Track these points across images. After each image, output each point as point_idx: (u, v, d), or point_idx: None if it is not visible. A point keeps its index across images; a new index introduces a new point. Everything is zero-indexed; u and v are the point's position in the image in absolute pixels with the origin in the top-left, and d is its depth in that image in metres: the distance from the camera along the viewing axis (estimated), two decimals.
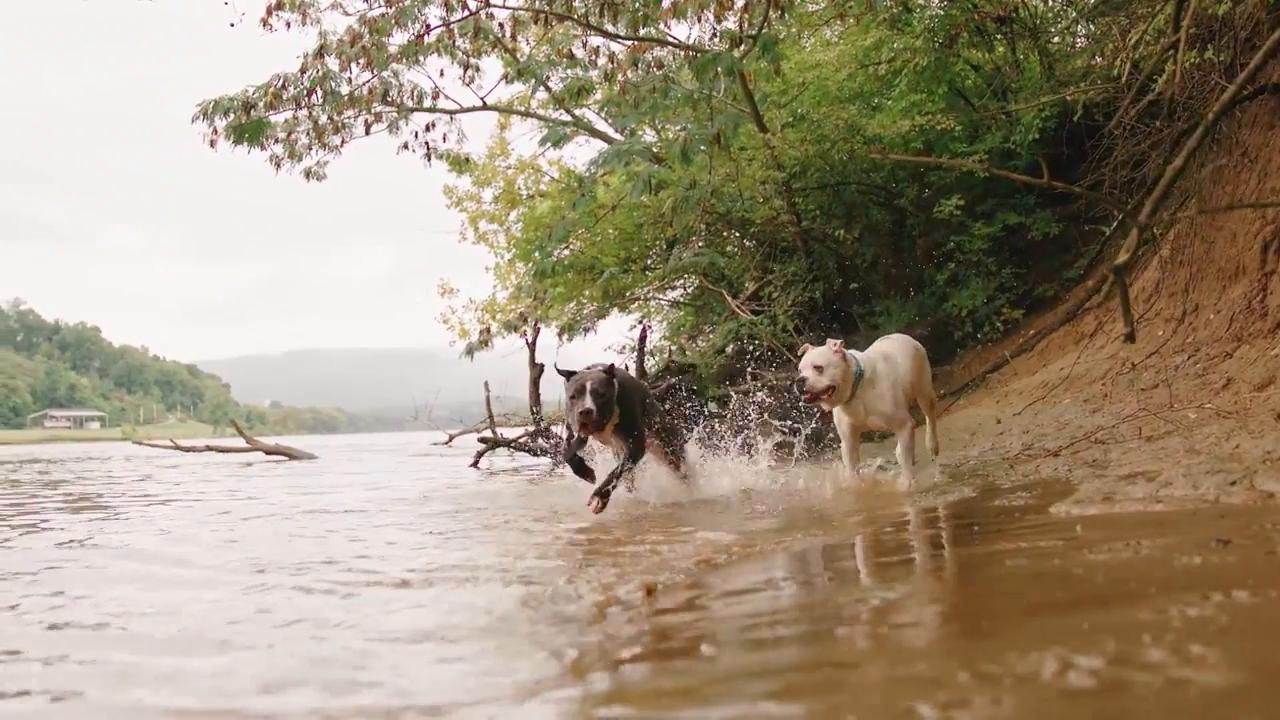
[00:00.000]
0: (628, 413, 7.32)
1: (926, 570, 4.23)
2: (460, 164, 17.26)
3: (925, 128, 12.75)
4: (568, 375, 7.22)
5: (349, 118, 15.43)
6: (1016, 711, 2.08)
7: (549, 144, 16.08)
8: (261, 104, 14.58)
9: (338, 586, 4.28)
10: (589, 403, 6.86)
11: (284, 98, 14.61)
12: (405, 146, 16.10)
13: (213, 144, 14.70)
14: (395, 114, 15.70)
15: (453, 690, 2.73)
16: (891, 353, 8.08)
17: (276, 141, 15.28)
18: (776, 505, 7.03)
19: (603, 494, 6.78)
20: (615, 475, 7.03)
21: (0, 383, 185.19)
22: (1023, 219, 12.80)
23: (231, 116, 14.51)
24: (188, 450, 23.71)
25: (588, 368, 7.47)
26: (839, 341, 7.66)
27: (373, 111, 15.37)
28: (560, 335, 17.62)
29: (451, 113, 16.25)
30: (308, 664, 3.05)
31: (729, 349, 14.58)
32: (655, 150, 14.78)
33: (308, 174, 15.86)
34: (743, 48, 11.80)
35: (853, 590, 3.79)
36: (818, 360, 7.55)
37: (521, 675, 2.81)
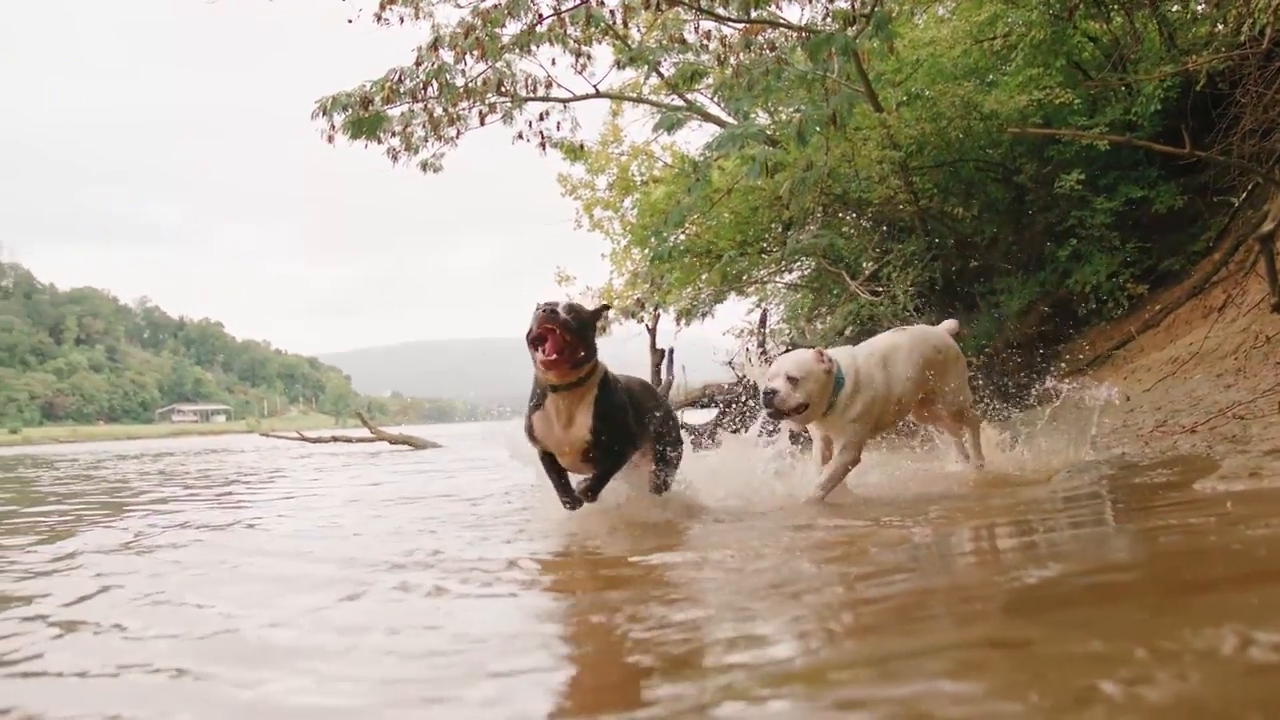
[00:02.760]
0: (612, 403, 5.85)
1: (1077, 549, 4.21)
2: (574, 152, 17.53)
3: (1043, 102, 12.72)
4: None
5: (464, 109, 15.78)
6: (1204, 688, 2.06)
7: (662, 129, 16.34)
8: (378, 98, 15.01)
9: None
10: (562, 316, 5.50)
11: (400, 91, 15.02)
12: (520, 136, 16.42)
13: (330, 139, 15.18)
14: (509, 104, 16.00)
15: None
16: (893, 355, 7.09)
17: (393, 135, 15.69)
18: (907, 488, 6.99)
19: (589, 491, 5.79)
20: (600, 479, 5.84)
21: (130, 379, 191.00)
22: (1145, 192, 12.71)
23: (349, 112, 14.94)
24: (314, 441, 24.37)
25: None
26: (820, 349, 6.82)
27: (487, 102, 15.71)
28: (678, 320, 17.86)
29: (564, 101, 16.54)
30: None
31: (848, 330, 14.67)
32: (770, 133, 14.92)
33: (424, 166, 16.30)
34: (856, 27, 11.91)
35: (1006, 570, 3.80)
36: (793, 370, 6.60)
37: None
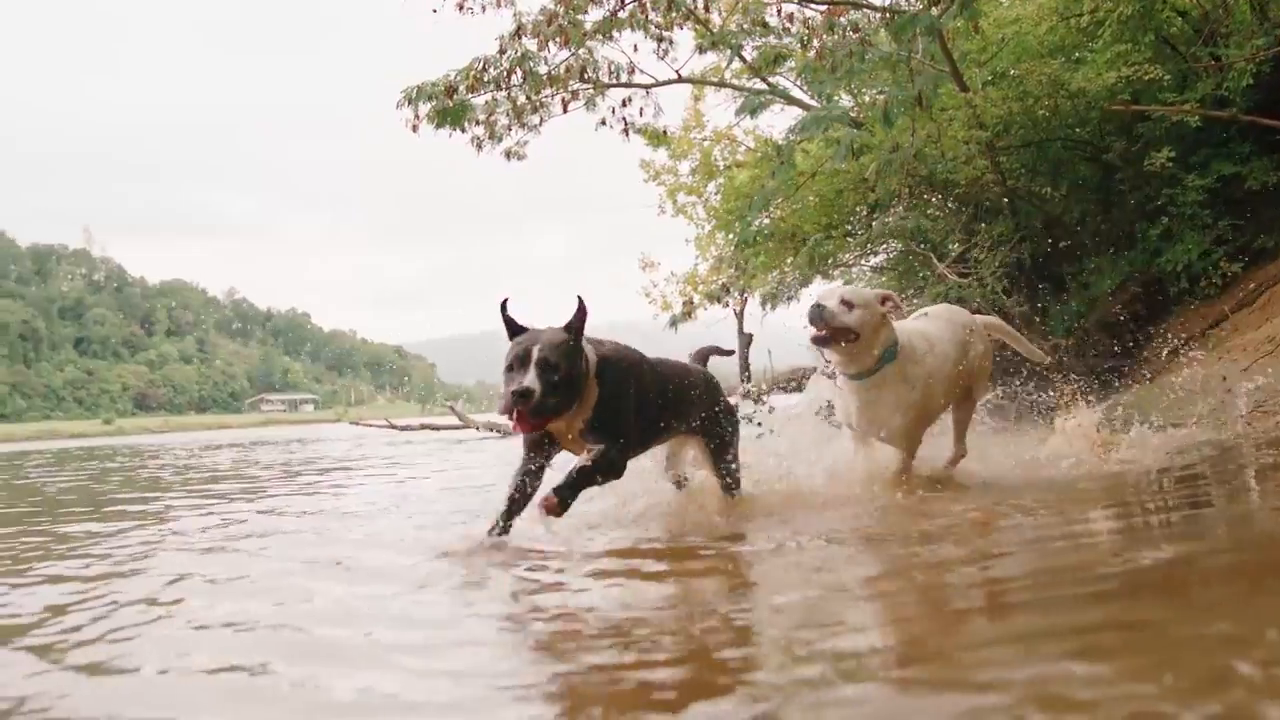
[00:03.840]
0: (610, 405, 5.12)
1: (1190, 530, 4.22)
2: (657, 138, 17.63)
3: (1132, 79, 12.61)
4: (513, 332, 5.06)
5: (547, 96, 15.94)
6: None
7: (745, 113, 16.40)
8: (463, 87, 15.20)
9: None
10: (530, 379, 4.71)
11: (484, 80, 15.20)
12: (603, 123, 16.54)
13: (415, 129, 15.42)
14: (592, 91, 16.13)
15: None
16: (934, 333, 6.60)
17: (477, 124, 15.88)
18: (1013, 472, 6.84)
19: (562, 492, 4.88)
20: (582, 475, 4.95)
21: (220, 369, 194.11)
22: (1238, 169, 12.55)
23: (434, 101, 15.16)
24: (403, 429, 24.66)
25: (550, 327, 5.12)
26: (893, 297, 6.18)
27: (570, 89, 15.85)
28: (764, 305, 17.95)
29: (647, 87, 16.64)
30: None
31: None
32: (854, 115, 14.94)
33: (508, 154, 16.48)
34: (940, 6, 11.91)
35: (1121, 551, 3.81)
36: (849, 295, 6.06)
37: None
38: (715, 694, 2.44)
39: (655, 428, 5.58)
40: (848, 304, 5.97)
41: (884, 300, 6.12)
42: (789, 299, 17.55)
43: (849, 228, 16.80)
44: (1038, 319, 12.86)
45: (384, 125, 15.12)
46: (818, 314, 5.98)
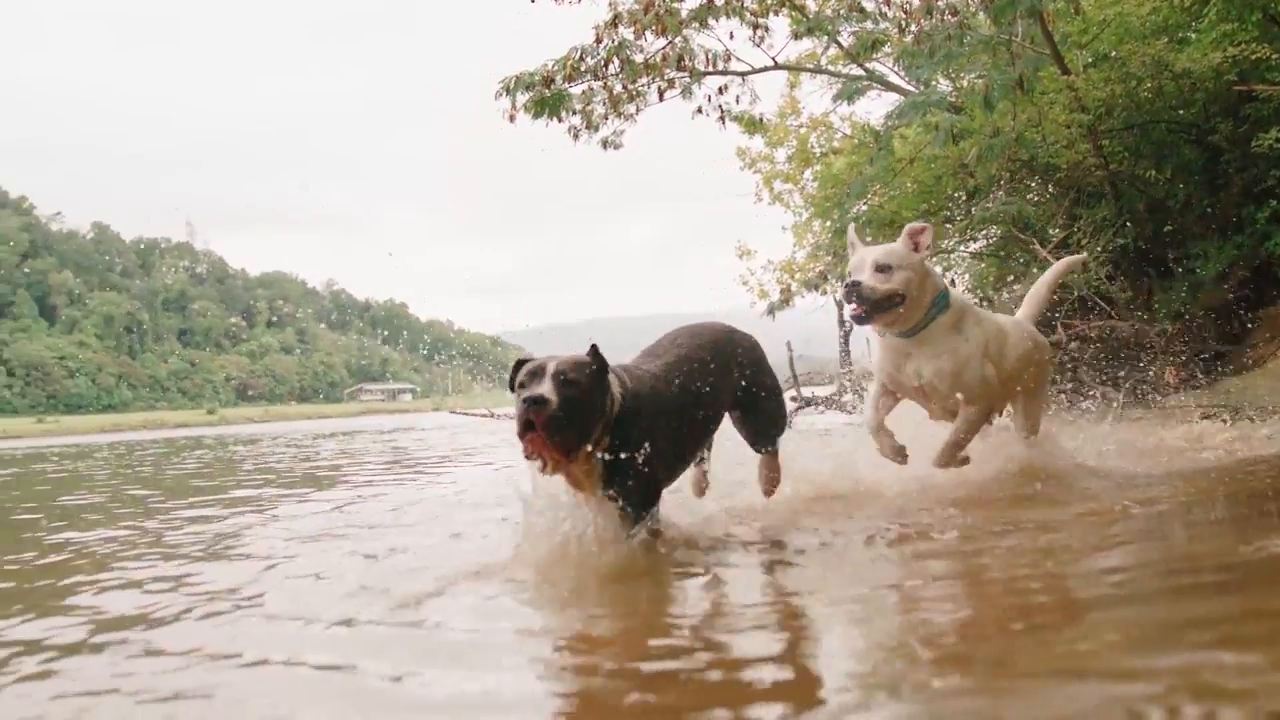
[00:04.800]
0: (631, 440, 4.46)
1: None
2: (753, 125, 17.64)
3: (1238, 58, 12.42)
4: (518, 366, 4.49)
5: (643, 85, 16.03)
6: None
7: (842, 100, 16.38)
8: (560, 77, 15.36)
9: None
10: (546, 388, 4.20)
11: (581, 69, 15.34)
12: (699, 111, 16.62)
13: (512, 119, 15.60)
14: (688, 79, 16.20)
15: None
16: (996, 317, 6.16)
17: (574, 113, 16.02)
18: (1139, 461, 6.53)
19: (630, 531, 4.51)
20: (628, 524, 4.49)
21: (319, 360, 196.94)
22: None
23: (532, 91, 15.32)
24: (502, 418, 24.85)
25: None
26: (921, 228, 5.63)
27: (666, 78, 15.93)
28: None
29: (743, 74, 16.69)
30: None
31: None
32: (952, 100, 14.86)
33: (604, 143, 16.62)
34: None
35: (1251, 540, 3.76)
36: (881, 257, 5.46)
37: None
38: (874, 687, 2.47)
39: (695, 447, 5.12)
40: (884, 269, 5.42)
41: (915, 242, 5.55)
42: None
43: (948, 214, 16.71)
44: (1142, 304, 12.72)
45: (480, 117, 15.31)
46: (853, 291, 5.45)
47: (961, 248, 18.11)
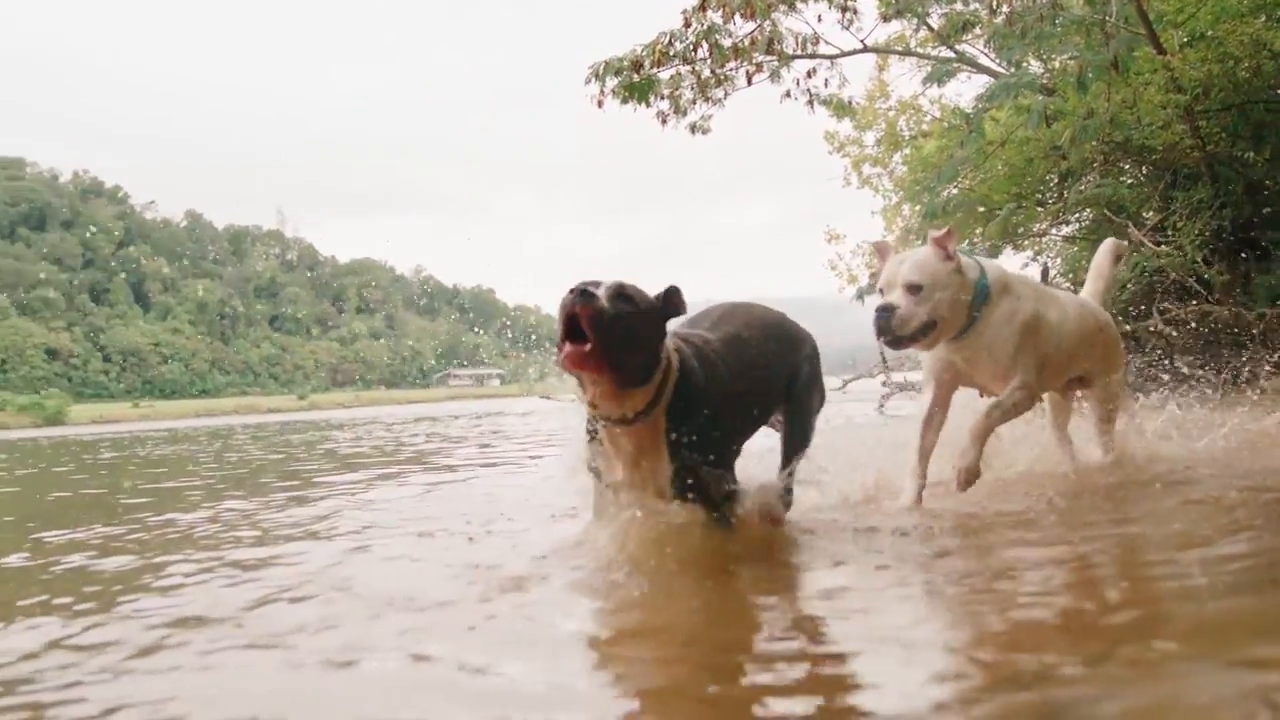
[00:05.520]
0: (697, 409, 4.00)
1: None
2: (842, 109, 17.55)
3: None
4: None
5: (731, 69, 16.03)
6: None
7: (932, 82, 16.28)
8: (648, 61, 15.40)
9: None
10: (601, 292, 3.68)
11: (670, 54, 15.38)
12: (787, 94, 16.58)
13: (600, 104, 15.67)
14: (776, 63, 16.18)
15: None
16: (1049, 292, 5.81)
17: (662, 98, 16.06)
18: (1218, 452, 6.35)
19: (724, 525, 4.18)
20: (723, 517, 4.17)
21: (409, 345, 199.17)
22: None
23: (621, 76, 15.39)
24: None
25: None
26: (944, 232, 5.15)
27: (754, 62, 15.92)
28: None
29: (831, 58, 16.62)
30: None
31: (1129, 285, 14.35)
32: (1044, 81, 14.71)
33: (693, 128, 16.63)
34: None
35: None
36: (913, 275, 5.05)
37: None
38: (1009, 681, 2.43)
39: (746, 431, 4.59)
40: (915, 289, 5.00)
41: (943, 251, 5.10)
42: None
43: (1039, 196, 16.56)
44: (1240, 288, 12.54)
45: (586, 103, 15.36)
46: (885, 322, 5.05)
47: (1054, 231, 17.93)
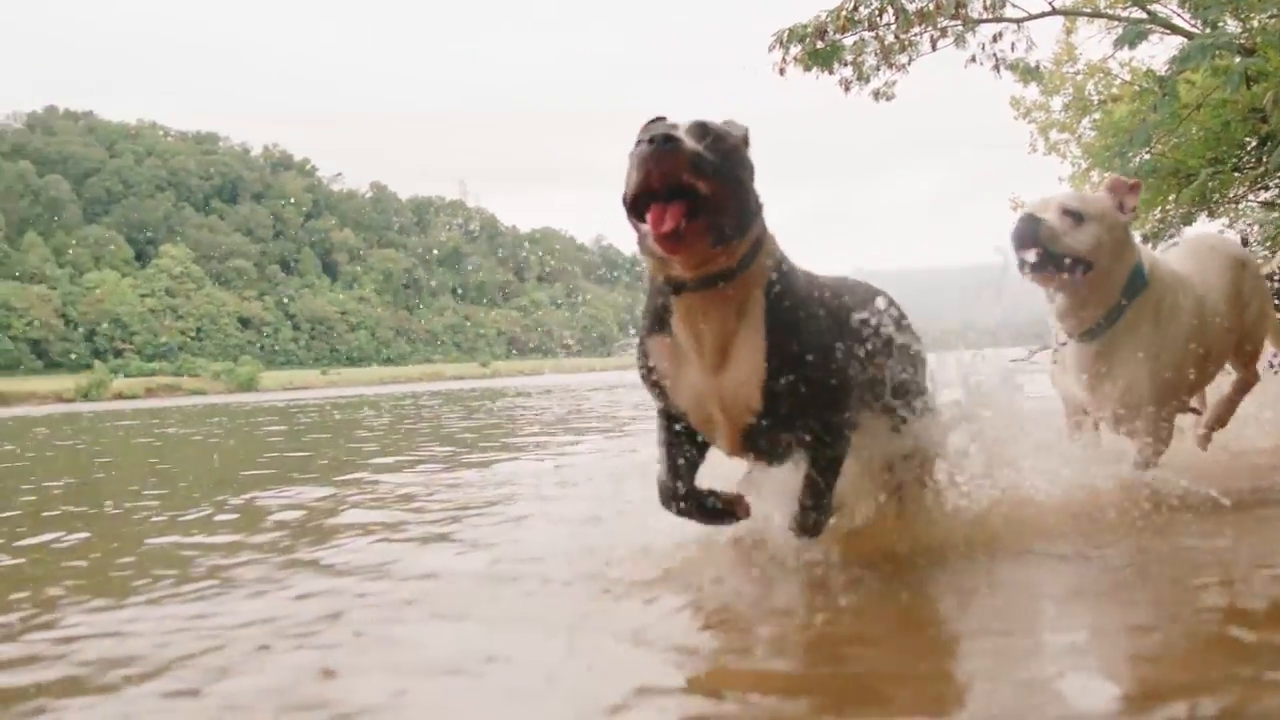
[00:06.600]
0: (803, 336, 3.08)
1: None
2: (1028, 73, 17.31)
3: None
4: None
5: (916, 34, 15.95)
6: None
7: (1123, 45, 15.94)
8: (832, 28, 15.42)
9: None
10: (679, 134, 2.81)
11: (855, 20, 15.37)
12: (972, 59, 16.42)
13: (781, 71, 15.74)
14: (961, 27, 16.04)
15: None
16: (1190, 270, 4.63)
17: (845, 65, 16.06)
18: None
19: (806, 522, 3.31)
20: (816, 497, 3.29)
21: (589, 314, 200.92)
22: None
23: (805, 43, 15.44)
24: None
25: None
26: (1132, 182, 4.34)
27: (939, 26, 15.81)
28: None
29: (1018, 21, 16.40)
30: None
31: None
32: (1242, 41, 14.34)
33: (876, 95, 16.59)
34: None
35: None
36: (1073, 202, 4.20)
37: None
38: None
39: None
40: (1073, 214, 4.14)
41: (1120, 200, 4.27)
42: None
43: (1236, 161, 16.14)
44: None
45: (758, 73, 15.47)
46: (1030, 229, 4.13)
47: (1251, 197, 17.47)
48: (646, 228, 2.82)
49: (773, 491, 3.51)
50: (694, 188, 2.75)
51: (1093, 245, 4.09)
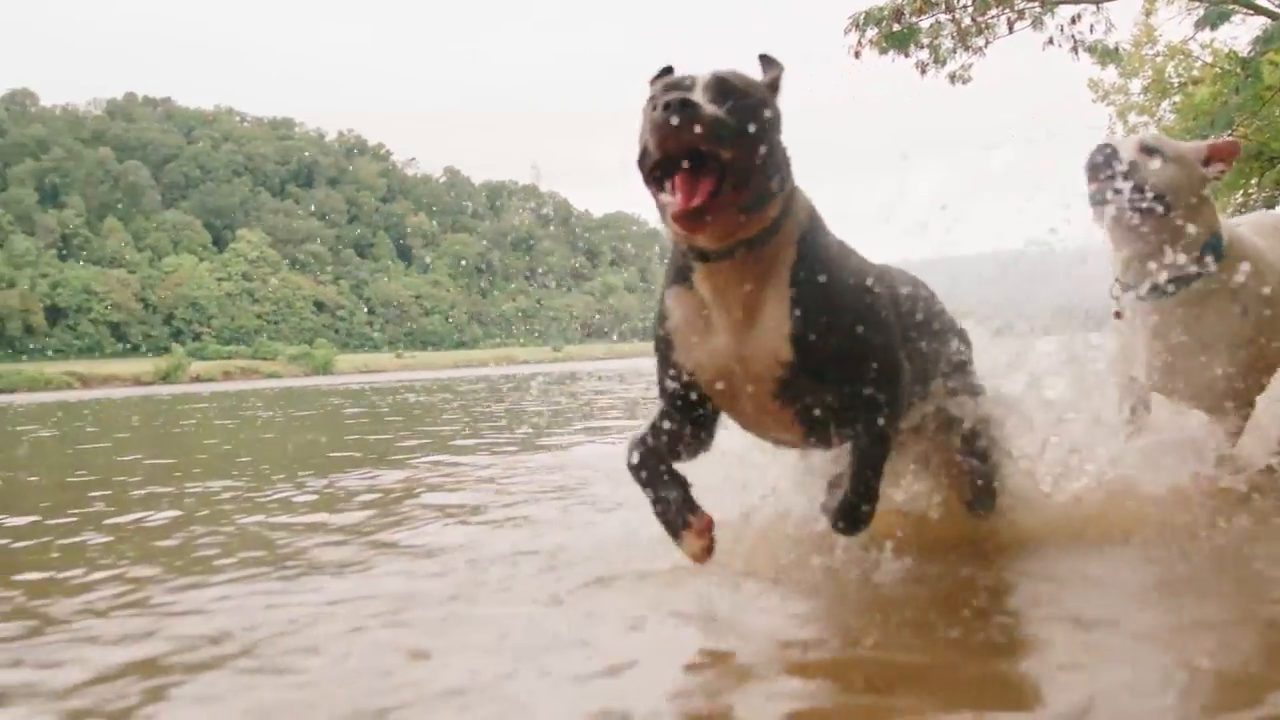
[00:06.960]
0: (831, 280, 2.77)
1: None
2: (1107, 55, 17.16)
3: None
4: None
5: (993, 17, 15.88)
6: None
7: (1204, 26, 15.79)
8: (909, 10, 15.40)
9: None
10: (695, 95, 2.51)
11: (932, 2, 15.32)
12: (1050, 41, 16.31)
13: (857, 54, 15.76)
14: (1039, 9, 15.94)
15: None
16: (1266, 247, 4.14)
17: (921, 47, 16.03)
18: None
19: (849, 511, 2.87)
20: (863, 481, 2.86)
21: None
22: None
23: (881, 25, 15.43)
24: None
25: None
26: (1229, 142, 3.99)
27: (1016, 9, 15.73)
28: None
29: (1097, 2, 16.26)
30: None
31: None
32: None
33: (952, 78, 16.56)
34: None
35: None
36: (1155, 141, 3.88)
37: None
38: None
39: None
40: (1151, 152, 3.80)
41: (1208, 159, 3.89)
42: None
43: None
44: None
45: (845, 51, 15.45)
46: (1104, 158, 3.80)
47: None
48: (667, 199, 2.54)
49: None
50: (715, 156, 2.45)
51: (1170, 183, 3.74)
